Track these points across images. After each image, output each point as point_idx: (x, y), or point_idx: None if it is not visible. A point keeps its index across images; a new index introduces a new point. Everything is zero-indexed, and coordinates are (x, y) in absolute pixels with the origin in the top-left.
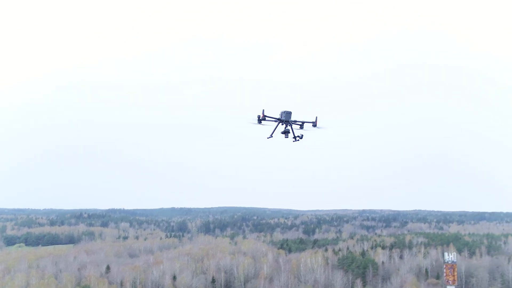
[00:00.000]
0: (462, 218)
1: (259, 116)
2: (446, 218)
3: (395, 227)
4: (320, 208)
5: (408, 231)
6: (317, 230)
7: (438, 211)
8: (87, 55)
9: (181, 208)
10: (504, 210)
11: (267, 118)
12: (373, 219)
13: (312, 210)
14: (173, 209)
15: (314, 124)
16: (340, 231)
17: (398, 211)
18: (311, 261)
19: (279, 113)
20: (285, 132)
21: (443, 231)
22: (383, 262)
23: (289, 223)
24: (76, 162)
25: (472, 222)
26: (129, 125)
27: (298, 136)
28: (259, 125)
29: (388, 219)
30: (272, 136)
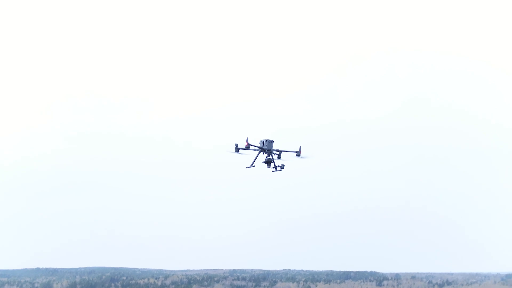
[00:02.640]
0: (329, 277)
1: (236, 145)
2: (314, 277)
3: (264, 286)
4: (191, 268)
5: None
6: None
7: (306, 270)
8: None
9: (46, 269)
10: (368, 269)
11: (250, 147)
12: (244, 278)
13: (183, 270)
14: (37, 270)
15: (298, 154)
16: None
17: (268, 270)
18: None
19: (260, 141)
20: (268, 162)
21: None
22: None
23: (159, 283)
24: None
25: (338, 281)
26: None
27: (279, 166)
28: (236, 154)
29: (258, 278)
30: (254, 166)
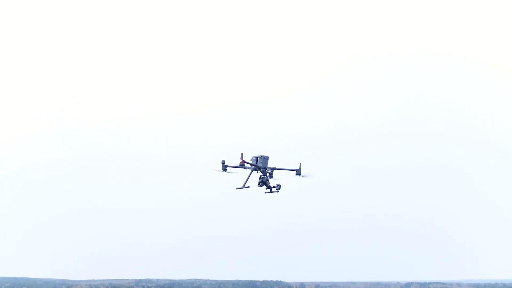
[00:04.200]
0: (235, 286)
1: (223, 162)
2: (220, 286)
3: None
4: (95, 278)
5: None
6: None
7: (213, 280)
8: None
9: None
10: (274, 279)
11: (246, 165)
12: None
13: (87, 280)
14: None
15: (298, 172)
16: None
17: (174, 280)
18: None
19: (252, 158)
20: (263, 183)
21: None
22: None
23: None
24: None
25: None
26: None
27: (274, 187)
28: (224, 172)
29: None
30: (248, 187)
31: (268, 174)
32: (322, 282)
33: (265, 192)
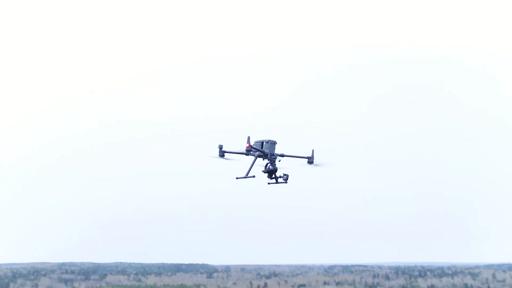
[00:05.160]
0: (161, 269)
1: (221, 147)
2: (145, 270)
3: (94, 279)
4: (16, 261)
5: (107, 283)
6: (11, 284)
7: (138, 263)
8: None
9: None
10: (200, 262)
11: (252, 150)
12: (72, 272)
13: (7, 264)
14: None
15: (311, 161)
16: (36, 285)
17: (98, 263)
18: None
19: (257, 143)
20: (270, 172)
21: (140, 283)
22: None
23: None
24: None
25: (170, 273)
26: None
27: (280, 177)
28: (221, 159)
29: (88, 271)
30: (253, 176)
31: (274, 162)
32: (247, 265)
33: (269, 183)
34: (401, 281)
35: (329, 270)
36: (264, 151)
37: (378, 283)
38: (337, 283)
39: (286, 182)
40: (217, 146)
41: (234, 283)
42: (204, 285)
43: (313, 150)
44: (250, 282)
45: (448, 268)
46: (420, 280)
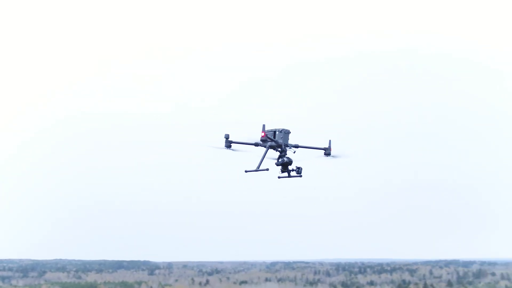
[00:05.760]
0: (102, 266)
1: (227, 137)
2: (85, 266)
3: (32, 277)
4: None
5: (46, 281)
6: None
7: (78, 260)
8: None
9: None
10: (142, 259)
11: (268, 140)
12: (10, 269)
13: None
14: None
15: (328, 152)
16: None
17: (37, 260)
18: None
19: (268, 131)
20: (285, 164)
21: (81, 280)
22: None
23: None
24: None
25: (111, 270)
26: None
27: (293, 170)
28: (227, 150)
29: (26, 268)
30: (266, 169)
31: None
32: (189, 262)
33: (279, 177)
34: (342, 277)
35: (271, 267)
36: (277, 141)
37: (319, 280)
38: (279, 280)
39: (300, 176)
40: (223, 136)
41: (176, 280)
42: (146, 282)
43: (330, 141)
44: (192, 279)
45: (387, 264)
46: (360, 276)
